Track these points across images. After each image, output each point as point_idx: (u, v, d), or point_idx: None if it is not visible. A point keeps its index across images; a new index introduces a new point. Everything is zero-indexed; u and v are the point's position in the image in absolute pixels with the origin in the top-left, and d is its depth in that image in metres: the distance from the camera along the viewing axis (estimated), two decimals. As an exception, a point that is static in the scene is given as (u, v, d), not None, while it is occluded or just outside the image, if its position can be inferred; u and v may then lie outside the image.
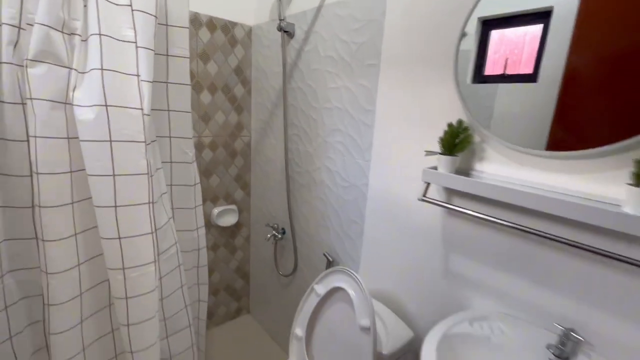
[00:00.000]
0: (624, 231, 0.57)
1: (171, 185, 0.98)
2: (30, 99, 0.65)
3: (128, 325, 0.79)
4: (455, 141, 0.81)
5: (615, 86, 0.62)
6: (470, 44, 0.79)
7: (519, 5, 0.71)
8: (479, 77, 0.80)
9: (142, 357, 0.81)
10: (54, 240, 0.72)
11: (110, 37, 0.70)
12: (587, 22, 0.62)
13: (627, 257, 0.58)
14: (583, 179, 0.67)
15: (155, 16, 0.74)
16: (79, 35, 0.69)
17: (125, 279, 0.76)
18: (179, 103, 0.95)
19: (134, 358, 0.80)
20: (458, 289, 0.93)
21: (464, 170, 0.86)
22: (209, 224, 1.67)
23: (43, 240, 0.72)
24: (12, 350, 0.78)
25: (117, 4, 0.70)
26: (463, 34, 0.81)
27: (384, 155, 1.07)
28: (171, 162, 0.98)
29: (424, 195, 0.87)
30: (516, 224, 0.73)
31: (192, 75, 1.45)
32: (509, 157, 0.78)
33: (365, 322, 0.88)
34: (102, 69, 0.70)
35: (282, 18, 1.29)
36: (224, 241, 1.76)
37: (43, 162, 0.69)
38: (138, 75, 0.73)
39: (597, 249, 0.62)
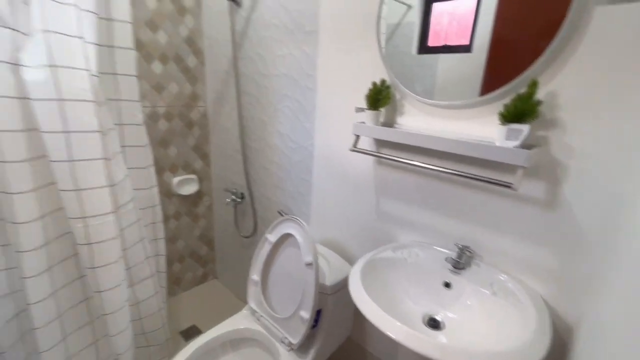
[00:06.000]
0: (493, 159, 0.74)
1: (124, 145, 1.04)
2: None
3: (94, 267, 0.87)
4: (378, 97, 0.94)
5: (511, 49, 0.73)
6: (414, 17, 0.85)
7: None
8: (424, 48, 0.86)
9: (108, 296, 0.90)
10: (18, 193, 0.78)
11: (51, -1, 0.74)
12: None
13: (498, 180, 0.75)
14: (478, 123, 0.83)
15: (94, -21, 0.78)
16: (20, -3, 0.72)
17: (86, 226, 0.84)
18: (125, 67, 1.00)
19: (102, 297, 0.89)
20: (388, 227, 1.10)
21: (388, 123, 1.00)
22: (170, 193, 1.73)
23: (7, 193, 0.77)
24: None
25: (54, -33, 0.74)
26: (382, 3, 0.92)
27: (326, 115, 1.19)
28: (121, 123, 1.03)
29: (355, 146, 1.00)
30: (423, 164, 0.88)
31: (142, 44, 1.46)
32: (422, 110, 0.93)
33: (309, 258, 1.03)
34: (45, 31, 0.74)
35: (228, -14, 1.33)
36: (186, 210, 1.83)
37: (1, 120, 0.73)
38: (82, 37, 0.78)
39: (478, 176, 0.79)
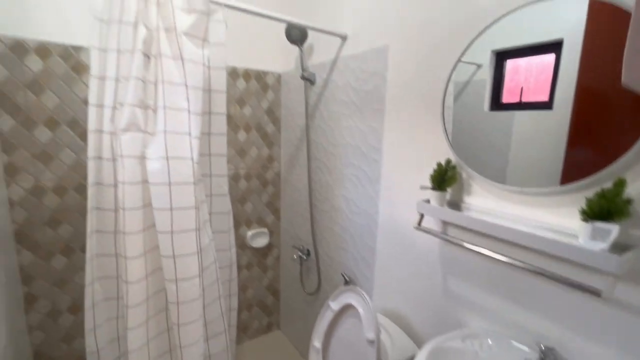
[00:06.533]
0: (576, 260, 0.67)
1: (211, 213, 1.21)
2: (121, 156, 0.92)
3: (179, 324, 1.00)
4: (444, 178, 0.94)
5: (599, 116, 0.68)
6: (485, 74, 0.86)
7: (531, 37, 0.76)
8: (496, 105, 0.86)
9: (188, 351, 1.01)
10: (133, 258, 0.97)
11: (171, 107, 0.95)
12: (591, 52, 0.67)
13: (583, 284, 0.68)
14: (556, 214, 0.77)
15: (202, 89, 0.99)
16: (152, 109, 0.96)
17: (177, 288, 0.98)
18: (217, 149, 1.20)
19: (182, 352, 1.01)
20: (456, 308, 1.03)
21: (455, 202, 0.99)
22: (244, 245, 1.90)
23: (125, 257, 0.97)
24: (95, 338, 1.04)
25: (177, 83, 0.96)
26: (445, 97, 0.95)
27: (390, 186, 1.22)
28: (211, 195, 1.22)
29: (419, 224, 1.00)
30: (492, 254, 0.84)
31: (230, 118, 1.71)
32: (492, 192, 0.90)
33: (370, 335, 1.01)
34: (165, 131, 0.95)
35: (304, 69, 1.53)
36: (256, 261, 1.97)
37: (128, 201, 0.95)
38: (190, 134, 0.98)
39: (558, 275, 0.72)
